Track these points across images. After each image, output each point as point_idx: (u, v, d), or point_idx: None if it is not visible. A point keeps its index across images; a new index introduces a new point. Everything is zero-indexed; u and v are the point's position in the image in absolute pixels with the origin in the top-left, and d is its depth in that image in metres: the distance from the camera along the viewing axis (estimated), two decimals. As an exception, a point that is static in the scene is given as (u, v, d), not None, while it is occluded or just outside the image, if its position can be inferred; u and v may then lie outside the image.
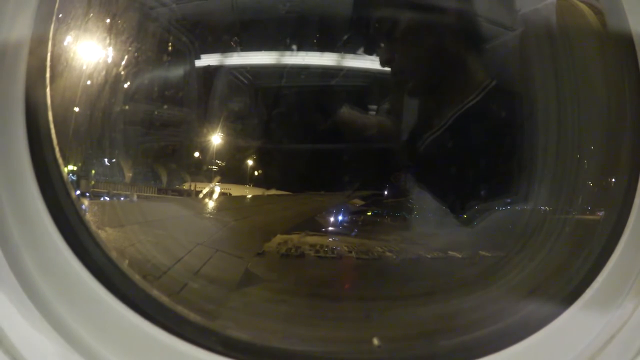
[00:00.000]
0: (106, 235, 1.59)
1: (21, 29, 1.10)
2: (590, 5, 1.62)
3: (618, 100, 1.37)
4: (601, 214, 1.44)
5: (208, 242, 2.23)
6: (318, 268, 2.85)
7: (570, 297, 1.19)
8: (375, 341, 1.45)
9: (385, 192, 3.13)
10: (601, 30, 1.47)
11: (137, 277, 1.28)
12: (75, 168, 1.83)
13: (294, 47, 2.59)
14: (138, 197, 2.88)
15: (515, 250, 1.89)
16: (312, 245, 2.97)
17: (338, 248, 3.07)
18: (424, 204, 2.82)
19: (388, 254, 2.91)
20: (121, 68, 1.95)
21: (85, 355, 1.08)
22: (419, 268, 2.76)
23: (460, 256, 2.61)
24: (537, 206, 1.96)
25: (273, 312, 1.93)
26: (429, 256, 2.78)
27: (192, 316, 1.28)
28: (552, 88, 1.89)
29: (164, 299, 1.30)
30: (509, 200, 2.18)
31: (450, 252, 2.63)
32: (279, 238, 2.91)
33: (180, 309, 1.28)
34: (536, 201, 1.96)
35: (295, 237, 3.01)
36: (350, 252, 2.99)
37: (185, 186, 3.35)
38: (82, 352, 1.08)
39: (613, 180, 1.43)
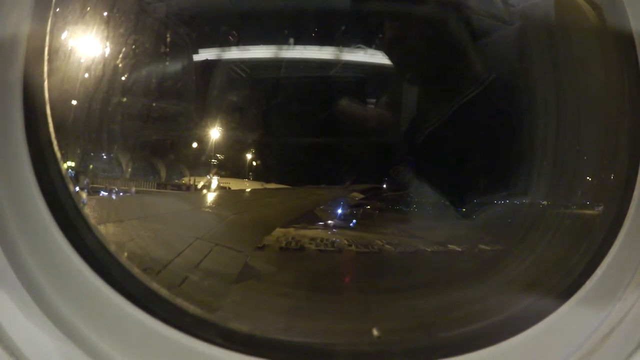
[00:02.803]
0: (105, 230, 1.59)
1: (19, 23, 1.10)
2: (589, 1, 1.62)
3: (617, 94, 1.37)
4: (600, 208, 1.45)
5: (207, 236, 2.23)
6: (317, 261, 2.86)
7: (569, 290, 1.19)
8: (375, 332, 1.45)
9: (385, 186, 3.14)
10: (600, 25, 1.47)
11: (136, 271, 1.28)
12: (73, 163, 1.83)
13: (292, 39, 2.58)
14: (137, 191, 2.88)
15: (514, 244, 1.89)
16: (312, 239, 2.98)
17: (337, 241, 3.08)
18: (424, 197, 2.82)
19: (387, 247, 2.92)
20: (119, 61, 1.95)
21: (85, 349, 1.08)
22: (418, 261, 2.78)
23: (459, 249, 2.62)
24: (536, 200, 1.97)
25: (272, 305, 1.93)
26: (428, 249, 2.79)
27: (192, 309, 1.28)
28: (551, 82, 1.89)
29: (164, 292, 1.30)
30: (508, 193, 2.18)
31: (450, 245, 2.64)
32: (278, 231, 2.92)
33: (180, 302, 1.28)
34: (535, 195, 1.96)
35: (294, 231, 3.02)
36: (350, 245, 3.00)
37: (184, 180, 3.36)
38: (82, 346, 1.08)
39: (612, 174, 1.43)
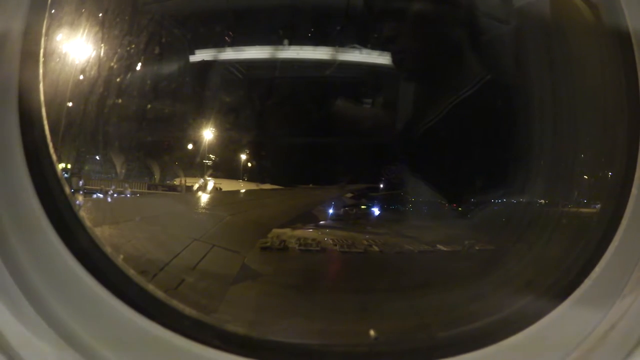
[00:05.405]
0: (101, 232, 1.59)
1: (14, 25, 1.09)
2: (585, -1, 1.62)
3: (614, 92, 1.37)
4: (597, 206, 1.45)
5: (205, 237, 2.23)
6: (309, 262, 2.86)
7: (568, 288, 1.20)
8: (372, 333, 1.45)
9: (381, 185, 3.14)
10: (596, 23, 1.47)
11: (132, 273, 1.28)
12: (69, 165, 1.83)
13: (288, 40, 2.58)
14: (132, 193, 2.87)
15: (512, 243, 1.90)
16: (303, 239, 2.98)
17: (333, 241, 3.08)
18: (419, 197, 2.83)
19: (382, 247, 2.92)
20: (114, 62, 1.94)
21: (82, 352, 1.07)
22: (414, 261, 2.77)
23: (455, 249, 2.62)
24: (534, 198, 1.97)
25: (265, 305, 1.93)
26: (423, 249, 2.79)
27: (189, 311, 1.28)
28: (548, 80, 1.90)
29: (161, 294, 1.29)
30: (505, 192, 2.19)
31: (446, 245, 2.64)
32: (273, 232, 2.92)
33: (177, 304, 1.28)
34: (532, 193, 1.97)
35: (288, 232, 3.02)
36: (342, 246, 3.00)
37: (181, 182, 3.36)
38: (79, 349, 1.08)
39: (609, 173, 1.44)
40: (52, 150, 1.20)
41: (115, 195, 2.59)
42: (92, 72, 1.84)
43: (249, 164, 3.16)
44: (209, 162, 2.95)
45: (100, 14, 1.82)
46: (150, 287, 1.29)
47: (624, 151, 1.27)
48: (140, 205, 2.73)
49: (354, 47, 2.59)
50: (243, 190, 3.36)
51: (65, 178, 1.28)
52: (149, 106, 2.43)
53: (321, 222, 3.35)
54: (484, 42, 2.15)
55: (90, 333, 1.11)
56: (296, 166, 3.04)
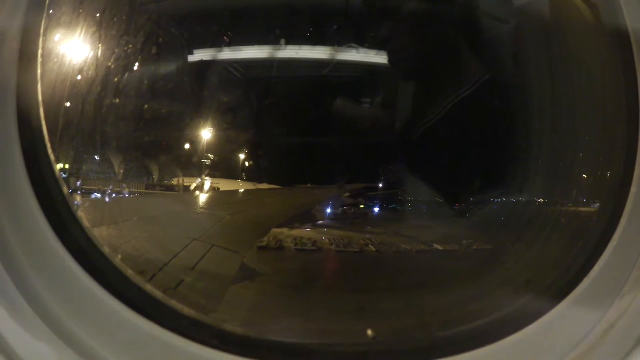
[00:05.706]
0: (100, 232, 1.58)
1: (12, 26, 1.09)
2: (584, -1, 1.62)
3: (613, 91, 1.37)
4: (597, 205, 1.45)
5: (204, 237, 2.23)
6: (306, 261, 2.86)
7: (567, 288, 1.20)
8: (370, 333, 1.45)
9: (380, 185, 3.14)
10: (595, 23, 1.47)
11: (130, 273, 1.27)
12: (67, 166, 1.82)
13: (287, 39, 2.58)
14: (131, 193, 2.87)
15: (511, 242, 1.90)
16: (300, 239, 2.99)
17: (325, 240, 3.08)
18: (417, 197, 2.83)
19: (371, 247, 2.92)
20: (112, 62, 1.94)
21: (81, 352, 1.07)
22: (411, 261, 2.77)
23: (453, 249, 2.62)
24: (533, 198, 1.97)
25: (261, 305, 1.93)
26: (421, 249, 2.79)
27: (187, 311, 1.27)
28: (547, 80, 1.90)
29: (159, 294, 1.29)
30: (504, 191, 2.19)
31: (444, 245, 2.64)
32: (271, 232, 2.92)
33: (175, 304, 1.27)
34: (531, 193, 1.97)
35: (285, 231, 3.02)
36: (332, 244, 3.01)
37: (179, 181, 3.35)
38: (77, 349, 1.07)
39: (608, 172, 1.44)
40: (50, 151, 1.19)
41: (113, 195, 2.59)
42: (90, 73, 1.84)
43: (247, 164, 3.15)
44: (207, 162, 2.95)
45: (98, 14, 1.81)
46: (149, 287, 1.29)
47: (623, 150, 1.27)
48: (139, 205, 2.73)
49: (351, 47, 2.59)
50: (241, 190, 3.36)
51: (64, 178, 1.27)
52: (146, 106, 2.43)
53: (319, 221, 3.35)
54: (483, 42, 2.15)
55: (89, 333, 1.10)
56: (294, 166, 3.04)
